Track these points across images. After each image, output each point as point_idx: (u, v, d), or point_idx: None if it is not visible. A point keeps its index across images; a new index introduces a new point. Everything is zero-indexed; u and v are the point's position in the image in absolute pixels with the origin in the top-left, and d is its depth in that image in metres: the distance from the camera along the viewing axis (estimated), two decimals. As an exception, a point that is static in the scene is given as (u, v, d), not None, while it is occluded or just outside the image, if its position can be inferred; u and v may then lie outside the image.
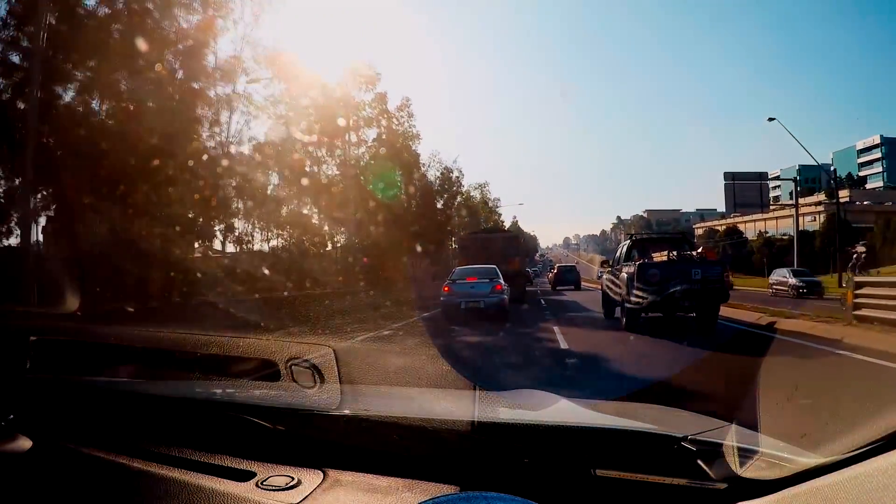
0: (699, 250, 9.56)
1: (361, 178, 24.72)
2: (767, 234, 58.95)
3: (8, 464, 1.11)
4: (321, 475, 1.05)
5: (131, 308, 9.24)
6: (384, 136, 26.32)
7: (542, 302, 18.21)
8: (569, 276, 31.29)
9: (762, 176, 35.57)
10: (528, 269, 41.56)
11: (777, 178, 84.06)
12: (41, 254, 11.81)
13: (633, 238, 11.59)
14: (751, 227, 65.58)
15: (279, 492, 1.01)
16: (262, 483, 1.04)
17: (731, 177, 35.25)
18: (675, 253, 9.15)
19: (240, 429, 1.18)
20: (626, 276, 9.43)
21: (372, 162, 25.49)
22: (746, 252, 53.28)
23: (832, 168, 34.49)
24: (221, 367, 1.76)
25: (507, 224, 59.01)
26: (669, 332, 8.61)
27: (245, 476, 1.06)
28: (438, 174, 33.06)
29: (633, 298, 8.91)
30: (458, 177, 38.20)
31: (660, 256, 9.40)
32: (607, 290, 11.71)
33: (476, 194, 44.20)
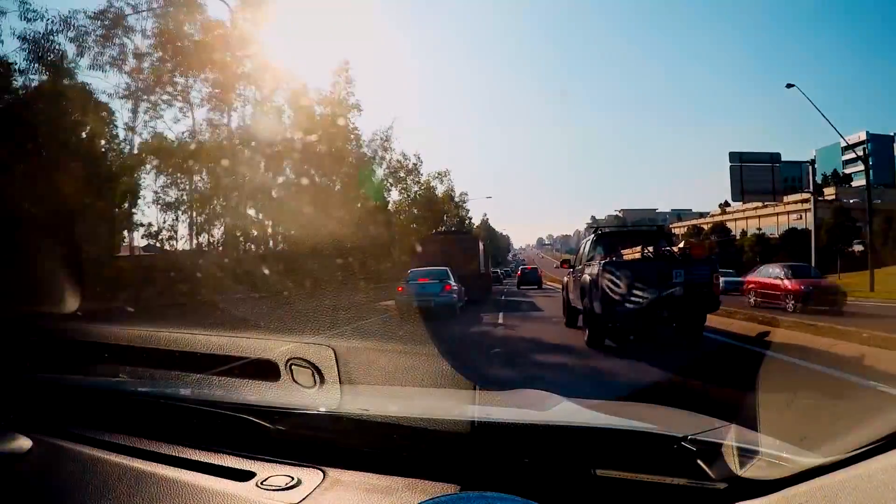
0: (681, 245, 7.72)
1: (272, 149, 20.63)
2: (761, 231, 59.19)
3: (8, 464, 1.11)
4: (321, 475, 1.07)
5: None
6: (301, 94, 21.59)
7: (500, 316, 15.76)
8: (531, 277, 34.23)
9: (775, 158, 29.37)
10: (496, 270, 41.76)
11: None
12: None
13: (599, 231, 9.38)
14: (730, 225, 66.81)
15: (279, 491, 1.02)
16: (262, 483, 1.05)
17: (737, 157, 28.32)
18: (650, 249, 7.38)
19: (240, 429, 1.20)
20: (588, 278, 7.71)
21: (280, 126, 20.93)
22: (734, 251, 53.45)
23: (864, 153, 32.57)
24: (222, 367, 1.77)
25: (477, 222, 56.70)
26: (645, 352, 7.04)
27: (245, 476, 1.07)
28: (371, 141, 27.48)
29: (596, 307, 7.16)
30: (415, 164, 33.90)
31: (631, 254, 7.60)
32: (568, 295, 9.97)
33: (437, 185, 38.30)
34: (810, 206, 55.37)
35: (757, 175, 28.91)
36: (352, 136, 24.99)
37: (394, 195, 33.99)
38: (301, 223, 21.09)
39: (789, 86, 25.88)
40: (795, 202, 58.31)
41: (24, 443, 1.17)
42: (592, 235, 9.37)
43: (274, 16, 20.96)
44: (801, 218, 56.11)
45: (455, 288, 12.93)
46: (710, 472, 0.96)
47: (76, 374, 1.61)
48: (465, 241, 20.97)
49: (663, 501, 0.97)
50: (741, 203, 61.05)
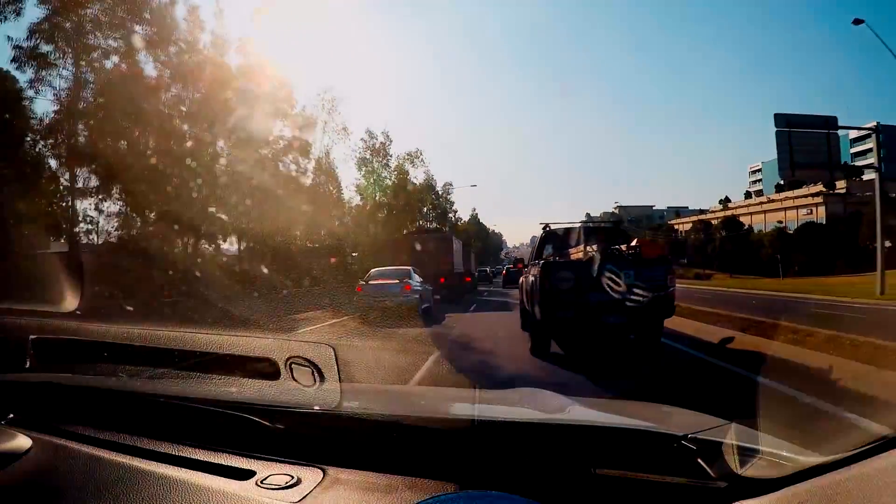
0: (633, 243, 7.23)
1: (163, 107, 16.95)
2: (783, 224, 55.74)
3: (8, 464, 1.12)
4: (321, 473, 1.09)
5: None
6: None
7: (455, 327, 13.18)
8: (515, 276, 37.43)
9: (830, 122, 22.32)
10: (485, 269, 41.69)
11: (759, 170, 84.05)
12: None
13: (548, 229, 8.56)
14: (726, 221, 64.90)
15: (279, 490, 1.04)
16: (261, 482, 1.07)
17: (784, 121, 22.14)
18: (593, 248, 6.83)
19: (239, 427, 1.22)
20: (531, 279, 7.28)
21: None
22: (749, 247, 51.59)
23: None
24: (221, 366, 1.78)
25: (466, 217, 53.33)
26: (594, 364, 6.36)
27: (245, 475, 1.10)
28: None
29: (537, 312, 6.67)
30: (383, 143, 29.72)
31: (577, 253, 7.21)
32: (523, 297, 9.31)
33: (410, 169, 32.36)
34: (821, 199, 54.94)
35: (810, 144, 22.81)
36: (280, 94, 20.67)
37: (352, 176, 30.16)
38: (199, 208, 17.27)
39: (857, 22, 20.84)
40: (804, 196, 57.83)
41: (24, 442, 1.19)
42: (542, 233, 8.72)
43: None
44: (811, 212, 55.33)
45: (417, 288, 12.97)
46: (710, 471, 0.97)
47: (76, 373, 1.63)
48: (437, 240, 21.19)
49: (663, 500, 0.99)
50: (777, 191, 57.01)
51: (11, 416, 1.35)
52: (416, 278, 13.45)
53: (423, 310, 12.84)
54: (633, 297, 6.25)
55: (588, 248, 6.97)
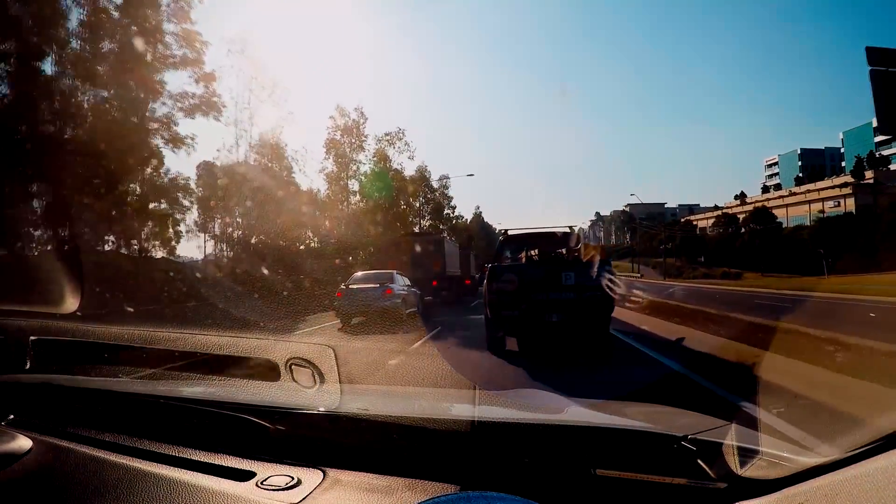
0: (576, 246, 8.01)
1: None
2: (823, 214, 50.85)
3: (8, 464, 1.14)
4: (321, 475, 1.11)
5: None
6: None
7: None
8: None
9: None
10: (480, 272, 41.16)
11: (775, 163, 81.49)
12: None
13: (505, 235, 9.35)
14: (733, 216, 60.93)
15: (279, 491, 1.06)
16: (262, 483, 1.09)
17: (879, 57, 11.97)
18: (535, 252, 7.65)
19: (240, 429, 1.24)
20: (484, 282, 8.20)
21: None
22: (782, 242, 48.16)
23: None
24: (222, 367, 1.82)
25: (469, 217, 51.33)
26: (550, 357, 7.08)
27: (245, 476, 1.11)
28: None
29: (488, 311, 7.44)
30: (356, 119, 25.50)
31: (523, 257, 7.95)
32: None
33: (395, 156, 27.74)
34: (850, 190, 52.97)
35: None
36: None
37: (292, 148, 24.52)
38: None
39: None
40: (829, 187, 56.16)
41: (24, 443, 1.21)
42: (501, 237, 9.41)
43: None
44: (838, 205, 53.41)
45: (400, 292, 12.80)
46: (710, 472, 0.99)
47: (76, 374, 1.65)
48: (428, 242, 21.04)
49: (663, 501, 1.00)
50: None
51: (12, 416, 1.38)
52: (401, 282, 13.31)
53: (407, 314, 12.69)
54: (574, 296, 6.90)
55: (531, 253, 7.61)
